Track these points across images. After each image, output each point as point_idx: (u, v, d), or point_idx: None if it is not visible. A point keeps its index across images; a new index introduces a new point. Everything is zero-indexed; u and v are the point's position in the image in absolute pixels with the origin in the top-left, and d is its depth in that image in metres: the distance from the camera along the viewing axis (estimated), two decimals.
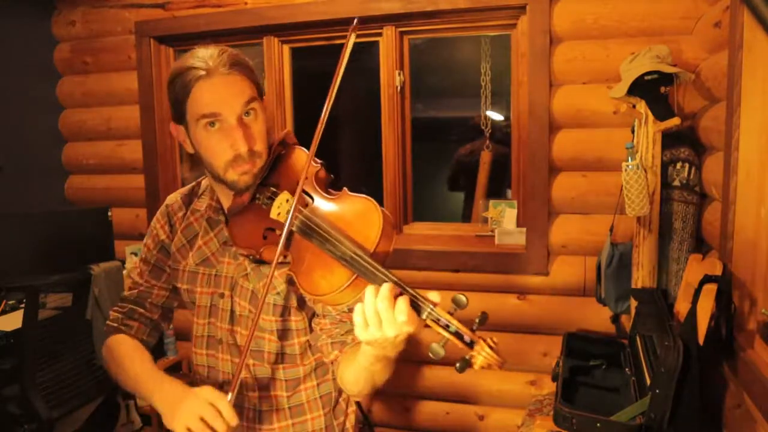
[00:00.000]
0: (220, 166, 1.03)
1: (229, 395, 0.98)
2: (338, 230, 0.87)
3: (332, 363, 1.09)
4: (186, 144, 1.10)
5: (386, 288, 0.79)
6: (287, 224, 0.91)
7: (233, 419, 0.96)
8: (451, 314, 0.79)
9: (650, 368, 1.69)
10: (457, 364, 0.77)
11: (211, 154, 1.04)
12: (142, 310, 1.23)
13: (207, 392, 0.99)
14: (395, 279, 0.81)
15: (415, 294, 0.80)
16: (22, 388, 2.02)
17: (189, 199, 1.24)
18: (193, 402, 0.98)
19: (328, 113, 0.92)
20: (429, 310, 0.79)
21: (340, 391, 1.20)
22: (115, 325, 1.21)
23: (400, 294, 0.80)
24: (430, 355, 0.78)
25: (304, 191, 0.97)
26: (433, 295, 0.81)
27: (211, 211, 1.19)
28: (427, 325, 0.81)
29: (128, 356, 1.15)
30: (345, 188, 0.96)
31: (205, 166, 1.09)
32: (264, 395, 1.14)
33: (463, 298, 0.78)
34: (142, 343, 1.20)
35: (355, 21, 0.91)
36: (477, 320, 0.78)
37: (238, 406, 1.16)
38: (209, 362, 1.18)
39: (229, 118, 1.01)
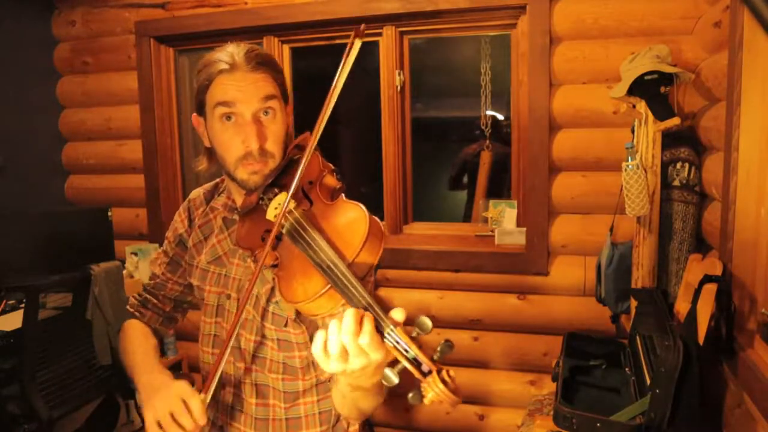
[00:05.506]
0: (231, 162, 1.04)
1: (203, 395, 0.96)
2: (324, 237, 0.84)
3: (330, 381, 1.07)
4: (204, 136, 1.11)
5: (350, 319, 0.73)
6: (276, 225, 0.89)
7: (202, 418, 0.95)
8: (412, 338, 0.72)
9: (650, 368, 1.69)
10: (410, 395, 0.71)
11: (224, 149, 1.05)
12: (155, 301, 1.27)
13: (181, 387, 0.98)
14: (364, 294, 0.75)
15: (378, 314, 0.74)
16: (22, 388, 2.02)
17: (210, 196, 1.25)
18: (165, 395, 0.97)
19: (326, 118, 0.89)
20: (389, 330, 0.73)
21: None
22: (132, 310, 1.27)
23: (365, 311, 0.74)
24: (383, 382, 0.72)
25: (305, 195, 0.95)
26: (397, 314, 0.74)
27: (226, 210, 1.19)
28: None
29: (134, 340, 1.19)
30: (342, 195, 0.93)
31: (219, 162, 1.09)
32: (261, 403, 1.13)
33: (428, 323, 0.71)
34: (154, 332, 1.25)
35: (362, 26, 0.86)
36: (438, 349, 0.71)
37: (238, 410, 1.15)
38: (215, 361, 1.18)
39: (245, 113, 1.02)
